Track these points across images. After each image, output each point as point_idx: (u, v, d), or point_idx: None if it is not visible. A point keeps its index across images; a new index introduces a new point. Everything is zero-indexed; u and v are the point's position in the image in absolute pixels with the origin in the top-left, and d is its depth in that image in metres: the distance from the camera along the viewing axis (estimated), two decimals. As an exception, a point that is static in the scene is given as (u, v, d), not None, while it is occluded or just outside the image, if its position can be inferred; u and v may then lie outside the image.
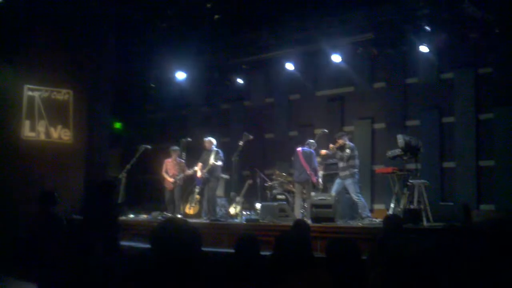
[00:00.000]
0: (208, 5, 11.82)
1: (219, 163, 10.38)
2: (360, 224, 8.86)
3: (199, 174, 10.45)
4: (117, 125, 14.56)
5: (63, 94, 11.47)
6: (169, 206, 10.90)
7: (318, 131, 11.14)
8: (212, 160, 10.29)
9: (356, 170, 9.54)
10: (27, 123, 11.07)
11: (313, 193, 9.74)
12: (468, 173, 10.30)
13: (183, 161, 11.23)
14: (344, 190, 9.71)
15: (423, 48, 10.06)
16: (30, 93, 11.14)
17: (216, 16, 12.01)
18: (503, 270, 2.46)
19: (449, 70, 10.88)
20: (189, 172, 10.94)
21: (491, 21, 9.28)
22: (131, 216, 11.37)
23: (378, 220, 8.96)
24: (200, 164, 10.47)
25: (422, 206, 8.40)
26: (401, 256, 2.53)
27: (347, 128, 11.92)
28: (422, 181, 8.70)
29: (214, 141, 10.61)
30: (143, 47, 12.90)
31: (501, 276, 2.44)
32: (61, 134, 11.37)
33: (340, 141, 9.68)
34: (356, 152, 9.65)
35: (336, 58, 11.02)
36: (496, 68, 10.21)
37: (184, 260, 2.47)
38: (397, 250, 2.53)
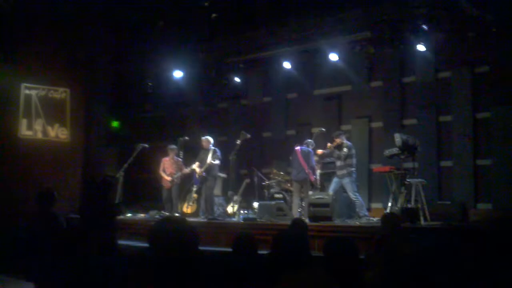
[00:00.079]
0: (206, 4, 11.82)
1: (217, 162, 10.38)
2: (357, 223, 8.87)
3: (198, 171, 10.43)
4: (115, 123, 14.52)
5: (60, 93, 11.46)
6: (167, 205, 10.90)
7: (315, 130, 11.14)
8: (209, 159, 10.28)
9: (353, 169, 9.57)
10: (24, 122, 11.06)
11: (310, 192, 9.75)
12: (465, 172, 10.30)
13: (180, 159, 11.22)
14: (341, 189, 9.73)
15: (420, 47, 10.04)
16: (27, 91, 11.12)
17: (214, 15, 12.01)
18: (500, 269, 2.47)
19: (446, 69, 10.88)
20: (186, 170, 10.94)
21: (488, 20, 9.29)
22: (129, 215, 11.35)
23: (375, 219, 8.97)
24: (197, 163, 10.47)
25: (419, 205, 8.42)
26: (399, 255, 2.55)
27: (344, 127, 11.92)
28: (420, 180, 8.72)
29: (211, 140, 10.60)
30: (140, 45, 12.87)
31: (498, 275, 2.45)
32: (58, 133, 11.36)
33: (338, 140, 9.70)
34: (353, 151, 9.67)
35: (333, 57, 11.01)
36: (493, 67, 10.20)
37: (182, 259, 2.47)
38: (395, 249, 2.54)
